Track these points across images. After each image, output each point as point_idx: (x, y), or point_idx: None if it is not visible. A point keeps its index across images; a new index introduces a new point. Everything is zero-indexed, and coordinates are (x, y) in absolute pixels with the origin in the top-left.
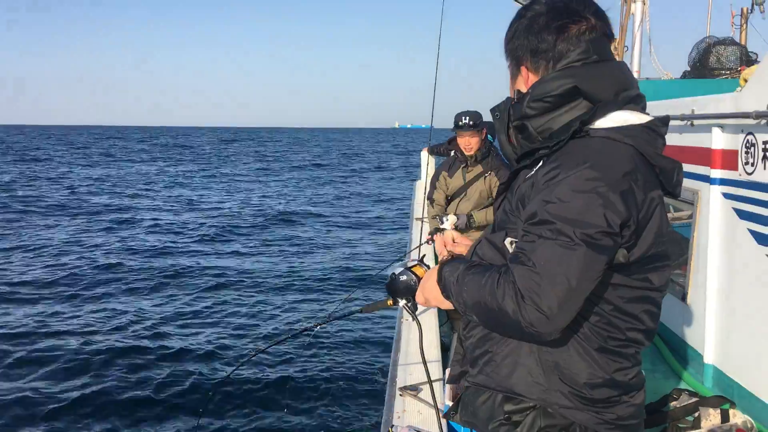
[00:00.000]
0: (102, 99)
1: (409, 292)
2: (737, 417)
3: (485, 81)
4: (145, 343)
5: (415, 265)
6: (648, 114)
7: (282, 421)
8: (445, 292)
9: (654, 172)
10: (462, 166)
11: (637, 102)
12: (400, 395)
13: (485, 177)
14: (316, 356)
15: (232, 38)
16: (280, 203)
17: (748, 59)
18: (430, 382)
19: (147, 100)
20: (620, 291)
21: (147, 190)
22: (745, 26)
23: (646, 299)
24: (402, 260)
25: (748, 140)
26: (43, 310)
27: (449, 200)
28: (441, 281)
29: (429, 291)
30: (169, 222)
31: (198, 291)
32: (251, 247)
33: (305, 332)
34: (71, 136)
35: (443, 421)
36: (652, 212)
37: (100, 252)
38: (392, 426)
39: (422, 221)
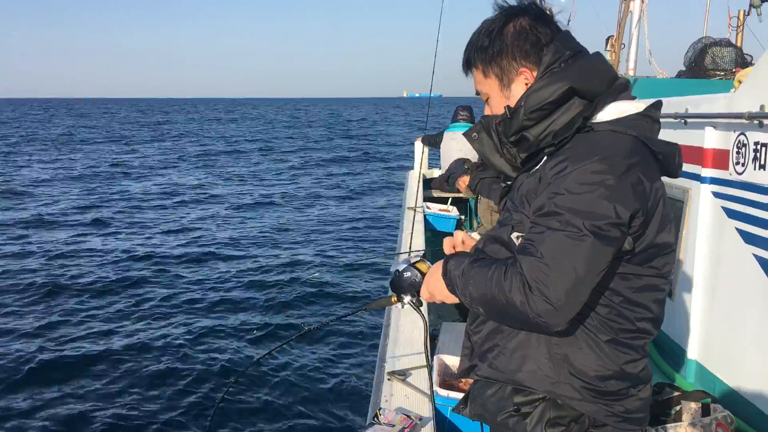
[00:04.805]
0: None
1: (413, 288)
2: (718, 411)
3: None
4: (148, 343)
5: (418, 261)
6: (636, 99)
7: (289, 414)
8: (451, 286)
9: (656, 160)
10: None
11: (627, 90)
12: (389, 380)
13: None
14: (319, 350)
15: (230, 7)
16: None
17: (744, 61)
18: (429, 371)
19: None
20: (629, 281)
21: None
22: (741, 28)
23: (654, 287)
24: (395, 252)
25: (739, 140)
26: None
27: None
28: (446, 275)
29: (434, 286)
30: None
31: (191, 294)
32: (249, 242)
33: (311, 332)
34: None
35: (429, 405)
36: (658, 201)
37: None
38: (380, 408)
39: (414, 211)
